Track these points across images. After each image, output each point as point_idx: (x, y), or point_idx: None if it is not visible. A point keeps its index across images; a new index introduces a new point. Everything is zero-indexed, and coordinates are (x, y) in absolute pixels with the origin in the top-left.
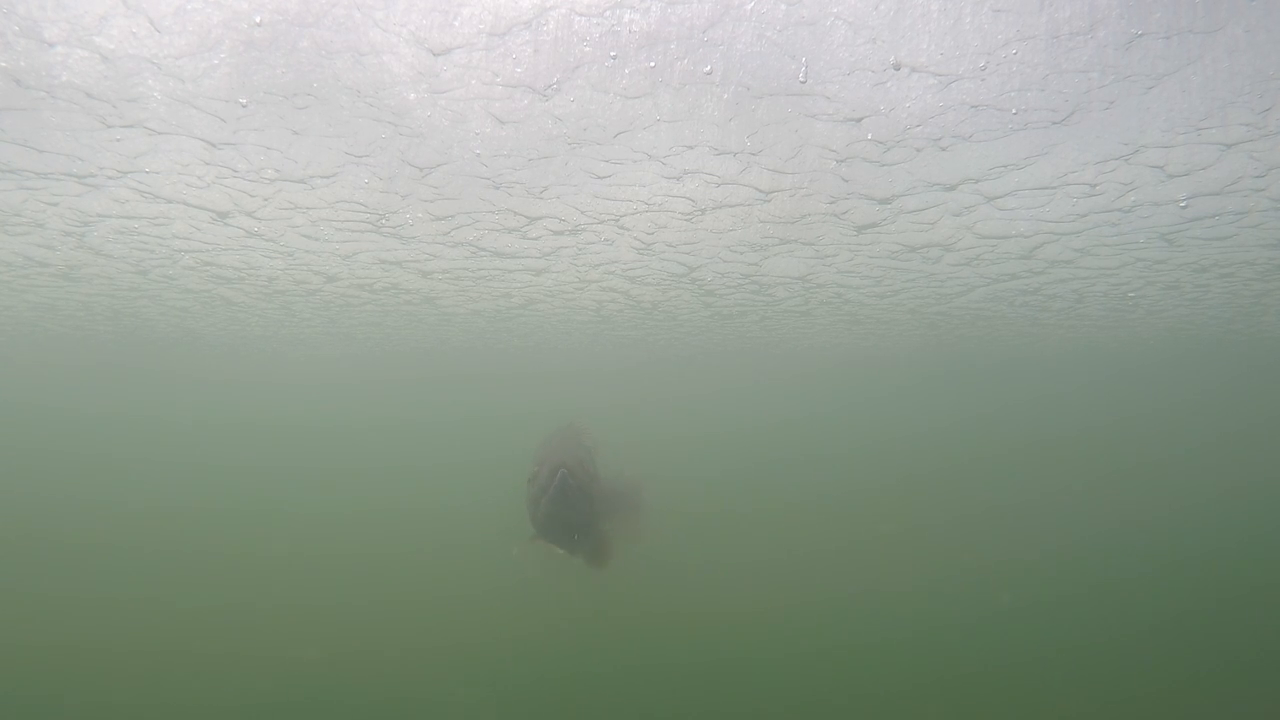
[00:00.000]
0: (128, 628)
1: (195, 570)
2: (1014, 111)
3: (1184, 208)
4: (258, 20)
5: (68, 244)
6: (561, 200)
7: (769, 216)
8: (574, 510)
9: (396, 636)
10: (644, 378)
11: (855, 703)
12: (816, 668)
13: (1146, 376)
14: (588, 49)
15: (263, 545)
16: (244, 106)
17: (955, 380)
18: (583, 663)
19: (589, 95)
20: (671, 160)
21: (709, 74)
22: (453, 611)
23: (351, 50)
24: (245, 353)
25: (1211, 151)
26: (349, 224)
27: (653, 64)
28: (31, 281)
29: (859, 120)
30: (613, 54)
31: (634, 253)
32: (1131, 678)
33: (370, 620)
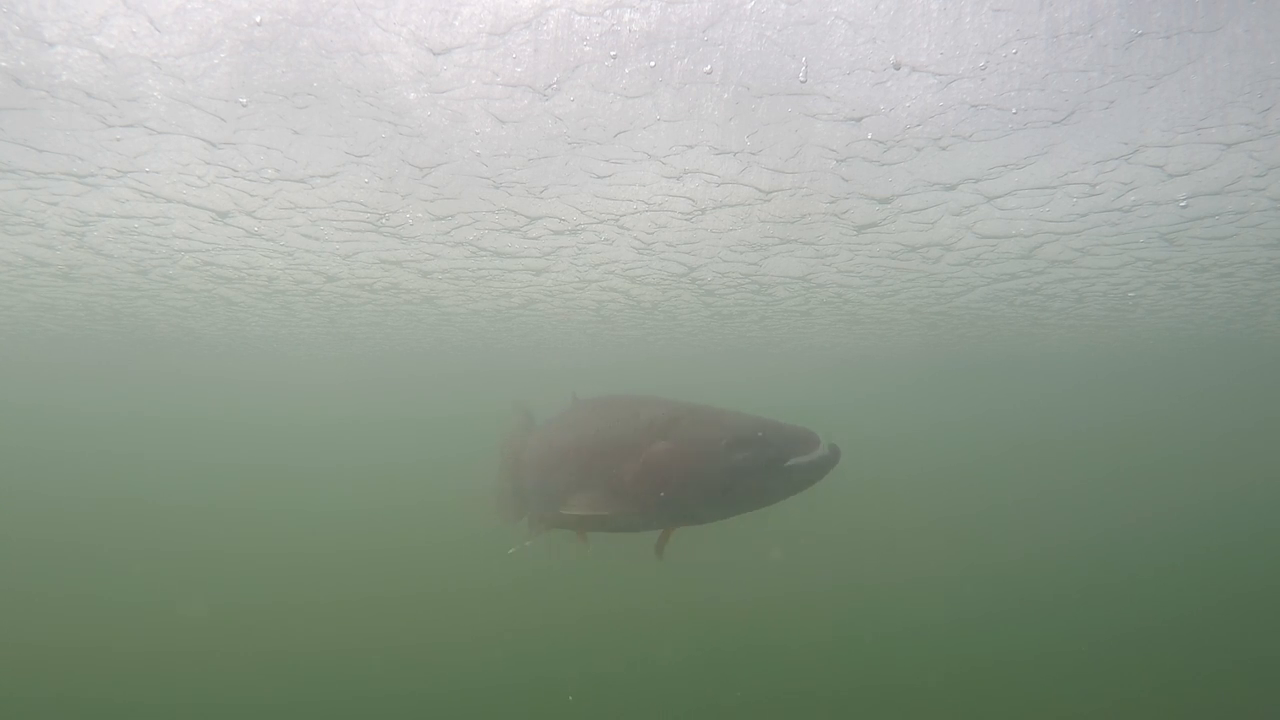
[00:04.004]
0: (127, 626)
1: (196, 569)
2: (1014, 111)
3: (1184, 207)
4: (258, 20)
5: (68, 244)
6: (561, 200)
7: (769, 216)
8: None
9: (408, 632)
10: (642, 374)
11: (850, 698)
12: (811, 661)
13: (1146, 376)
14: (588, 48)
15: (263, 544)
16: (244, 106)
17: (955, 380)
18: (597, 657)
19: (589, 95)
20: (671, 160)
21: (709, 73)
22: (462, 607)
23: (351, 50)
24: (245, 353)
25: (1211, 151)
26: (349, 224)
27: (653, 63)
28: (31, 281)
29: (859, 120)
30: (613, 53)
31: (634, 252)
32: (1131, 677)
33: (377, 617)
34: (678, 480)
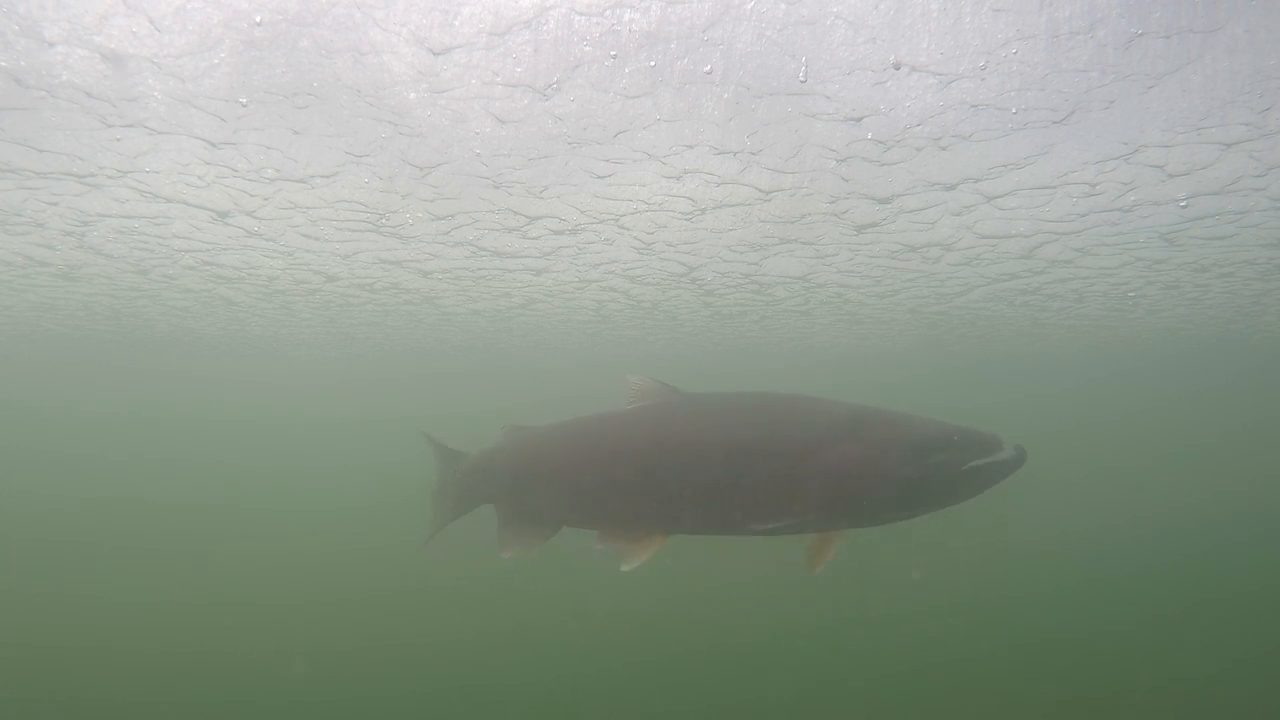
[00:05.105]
0: (127, 626)
1: (196, 568)
2: (1014, 111)
3: (1184, 207)
4: (258, 20)
5: (68, 244)
6: (561, 200)
7: (769, 216)
8: None
9: (408, 631)
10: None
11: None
12: (808, 656)
13: (1146, 376)
14: (588, 48)
15: (263, 543)
16: (244, 106)
17: (954, 379)
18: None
19: (589, 95)
20: (671, 160)
21: (709, 73)
22: (461, 605)
23: (351, 50)
24: (245, 353)
25: (1211, 151)
26: (349, 224)
27: (653, 63)
28: (31, 281)
29: (859, 120)
30: (613, 53)
31: (634, 252)
32: (1128, 676)
33: (377, 617)
34: (870, 483)
